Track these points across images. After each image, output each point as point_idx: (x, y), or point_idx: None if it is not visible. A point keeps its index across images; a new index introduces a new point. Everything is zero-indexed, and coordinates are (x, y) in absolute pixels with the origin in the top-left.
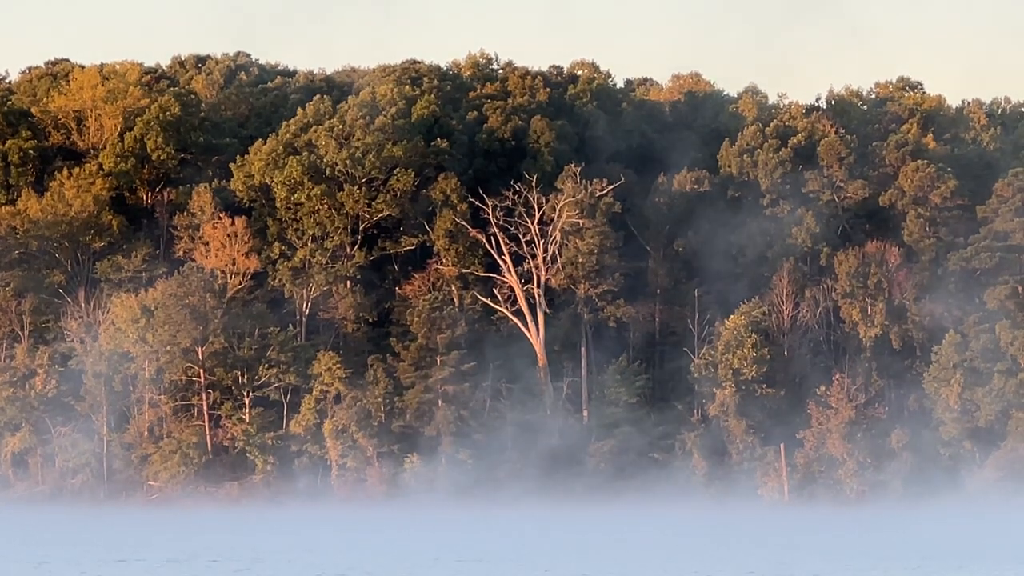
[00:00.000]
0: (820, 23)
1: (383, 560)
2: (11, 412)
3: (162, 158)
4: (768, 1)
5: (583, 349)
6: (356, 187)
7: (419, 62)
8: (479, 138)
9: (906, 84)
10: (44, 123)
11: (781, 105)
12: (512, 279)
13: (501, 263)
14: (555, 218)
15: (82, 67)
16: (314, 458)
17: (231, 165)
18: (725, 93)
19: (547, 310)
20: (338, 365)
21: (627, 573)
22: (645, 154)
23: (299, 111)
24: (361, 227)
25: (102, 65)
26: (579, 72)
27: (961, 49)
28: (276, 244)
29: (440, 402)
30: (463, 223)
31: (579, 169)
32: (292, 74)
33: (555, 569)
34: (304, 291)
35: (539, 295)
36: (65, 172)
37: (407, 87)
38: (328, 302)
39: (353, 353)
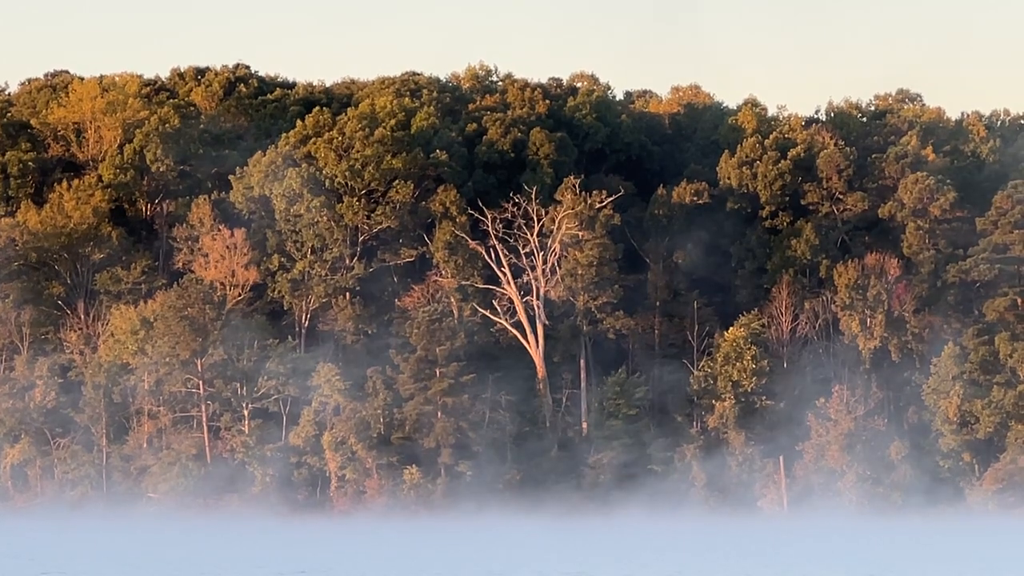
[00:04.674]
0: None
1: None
2: (10, 423)
3: (161, 170)
4: (768, 12)
5: (582, 361)
6: (355, 199)
7: (418, 74)
8: (478, 150)
9: (905, 96)
10: (43, 135)
11: (780, 117)
12: (511, 291)
13: (500, 275)
14: (554, 230)
15: (81, 79)
16: (313, 470)
17: (230, 177)
18: (724, 105)
19: (546, 322)
20: (337, 377)
21: None
22: (644, 166)
23: (298, 123)
24: (360, 239)
25: (101, 77)
26: (578, 84)
27: (960, 61)
28: (275, 256)
29: (439, 414)
30: (462, 235)
31: (578, 181)
32: (291, 86)
33: None
34: (303, 303)
35: (538, 307)
36: (64, 184)
37: (406, 99)
38: (327, 314)
39: (352, 365)
